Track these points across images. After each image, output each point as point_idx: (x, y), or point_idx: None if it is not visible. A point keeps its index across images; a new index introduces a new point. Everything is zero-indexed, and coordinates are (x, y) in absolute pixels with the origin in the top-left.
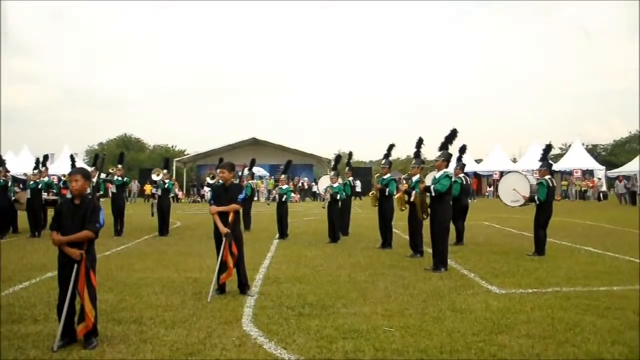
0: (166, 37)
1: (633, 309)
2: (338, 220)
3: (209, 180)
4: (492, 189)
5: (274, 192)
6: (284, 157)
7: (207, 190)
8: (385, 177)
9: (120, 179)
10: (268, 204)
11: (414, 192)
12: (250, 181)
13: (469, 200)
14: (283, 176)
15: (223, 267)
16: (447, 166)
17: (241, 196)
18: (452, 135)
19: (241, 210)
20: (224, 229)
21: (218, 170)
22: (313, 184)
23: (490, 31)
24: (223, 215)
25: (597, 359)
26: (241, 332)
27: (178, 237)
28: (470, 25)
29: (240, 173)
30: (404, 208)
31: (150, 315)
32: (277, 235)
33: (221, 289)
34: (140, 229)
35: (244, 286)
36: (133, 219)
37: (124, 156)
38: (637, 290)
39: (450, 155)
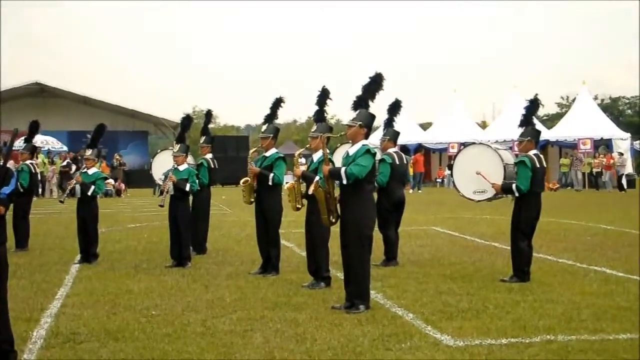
0: None
1: None
2: (188, 227)
3: None
4: (449, 172)
5: (73, 179)
6: (94, 119)
7: None
8: (267, 153)
9: None
10: (62, 201)
11: (315, 179)
12: (28, 161)
13: (408, 191)
14: (89, 152)
15: None
16: (367, 136)
17: (7, 189)
18: (375, 82)
19: (9, 214)
20: None
21: None
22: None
23: None
24: None
25: None
26: None
27: None
28: None
29: (6, 145)
30: (299, 205)
31: None
32: (79, 257)
33: None
34: None
35: (7, 354)
36: None
37: None
38: None
39: (373, 117)
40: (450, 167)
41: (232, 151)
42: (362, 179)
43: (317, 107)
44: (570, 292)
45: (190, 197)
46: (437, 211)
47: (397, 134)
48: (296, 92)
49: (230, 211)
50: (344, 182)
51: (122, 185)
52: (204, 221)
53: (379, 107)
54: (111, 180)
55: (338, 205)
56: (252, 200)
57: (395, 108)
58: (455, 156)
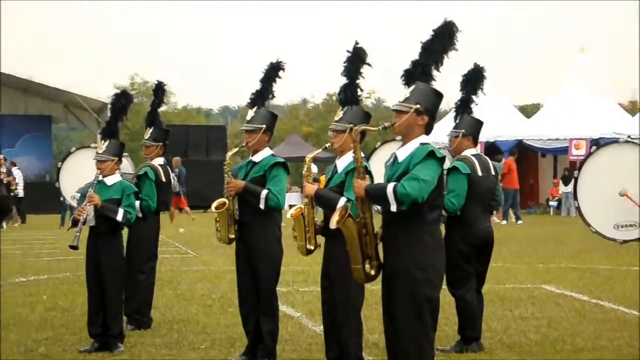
0: None
1: None
2: (120, 283)
3: None
4: (570, 189)
5: None
6: None
7: None
8: (257, 157)
9: None
10: None
11: (340, 203)
12: None
13: (499, 222)
14: None
15: None
16: (428, 128)
17: None
18: (443, 38)
19: None
20: None
21: None
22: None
23: None
24: None
25: None
26: None
27: None
28: None
29: None
30: (312, 246)
31: None
32: None
33: None
34: None
35: None
36: None
37: None
38: None
39: (439, 96)
40: (574, 182)
41: (198, 152)
42: (422, 202)
43: (344, 79)
44: None
45: (125, 232)
46: (551, 257)
47: (479, 125)
48: (306, 55)
49: (194, 255)
50: (393, 207)
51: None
52: (148, 273)
53: (448, 80)
54: None
55: (380, 248)
56: (232, 236)
57: (475, 80)
58: (583, 163)
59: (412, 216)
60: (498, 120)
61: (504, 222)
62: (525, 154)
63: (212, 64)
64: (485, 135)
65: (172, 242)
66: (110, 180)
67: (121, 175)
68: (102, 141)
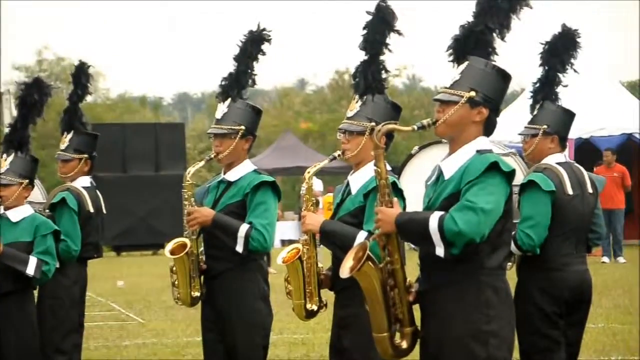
0: None
1: None
2: None
3: None
4: None
5: None
6: None
7: None
8: (232, 174)
9: None
10: None
11: (358, 240)
12: None
13: (598, 259)
14: None
15: None
16: (489, 126)
17: None
18: None
19: None
20: None
21: None
22: None
23: None
24: None
25: None
26: None
27: None
28: None
29: None
30: (314, 306)
31: None
32: None
33: None
34: None
35: None
36: None
37: None
38: None
39: (506, 78)
40: None
41: (142, 164)
42: (480, 241)
43: (362, 54)
44: None
45: (36, 292)
46: None
47: (569, 118)
48: (303, 18)
49: (140, 320)
50: (439, 251)
51: None
52: (71, 352)
53: (519, 53)
54: None
55: (414, 308)
56: (196, 294)
57: (563, 50)
58: None
59: (466, 261)
60: (595, 105)
61: (605, 259)
62: (635, 156)
63: (161, 33)
64: (575, 130)
65: (106, 302)
66: (16, 215)
67: (32, 205)
68: (4, 155)
